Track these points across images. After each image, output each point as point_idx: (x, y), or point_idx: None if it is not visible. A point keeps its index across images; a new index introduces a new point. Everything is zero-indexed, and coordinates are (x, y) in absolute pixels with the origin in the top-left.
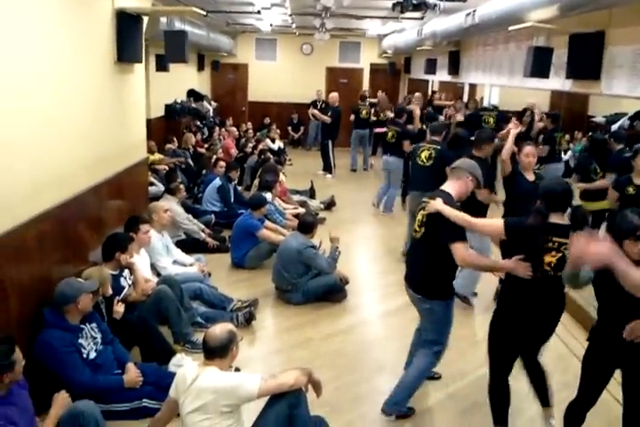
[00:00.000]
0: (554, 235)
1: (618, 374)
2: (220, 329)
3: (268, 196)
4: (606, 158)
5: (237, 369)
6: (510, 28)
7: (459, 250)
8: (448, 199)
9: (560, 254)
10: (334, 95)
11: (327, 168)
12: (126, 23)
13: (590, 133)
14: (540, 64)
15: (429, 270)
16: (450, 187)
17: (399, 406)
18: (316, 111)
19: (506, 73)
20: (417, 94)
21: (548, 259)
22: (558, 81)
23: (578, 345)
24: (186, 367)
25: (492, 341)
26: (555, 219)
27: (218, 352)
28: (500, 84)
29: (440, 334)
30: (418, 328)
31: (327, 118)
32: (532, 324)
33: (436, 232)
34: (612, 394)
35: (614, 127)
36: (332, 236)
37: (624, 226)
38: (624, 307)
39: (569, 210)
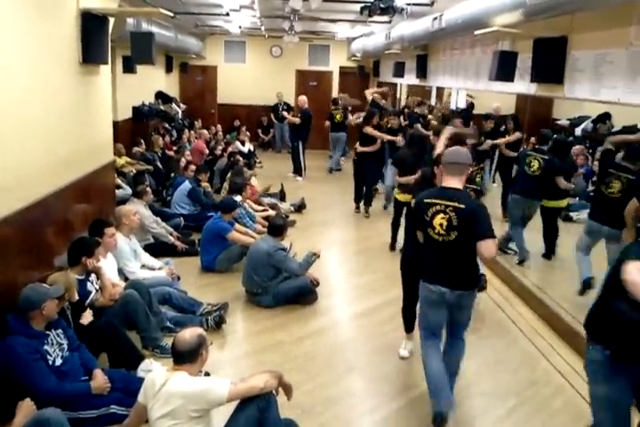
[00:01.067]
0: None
1: None
2: (189, 334)
3: (237, 198)
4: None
5: (207, 374)
6: (476, 33)
7: (494, 245)
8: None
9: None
10: (303, 98)
11: (297, 170)
12: (92, 24)
13: (555, 136)
14: (505, 68)
15: (471, 266)
16: (460, 183)
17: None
18: (286, 113)
19: (472, 77)
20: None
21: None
22: (523, 84)
23: (546, 345)
24: (154, 372)
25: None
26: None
27: (187, 357)
28: (466, 88)
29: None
30: (432, 334)
31: (296, 119)
32: None
33: (469, 232)
34: None
35: (578, 130)
36: (317, 252)
37: None
38: None
39: None
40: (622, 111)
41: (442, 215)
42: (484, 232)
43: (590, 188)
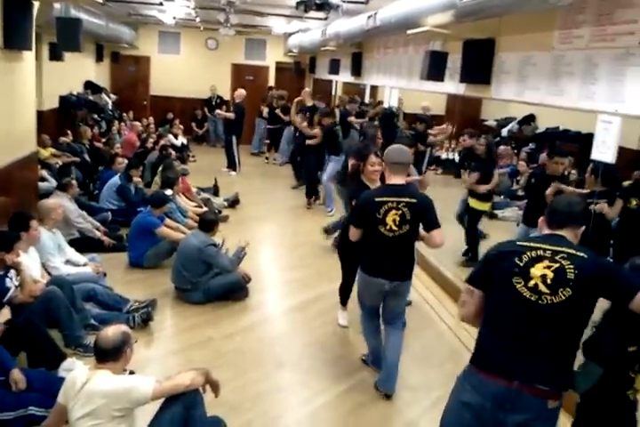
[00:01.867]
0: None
1: None
2: (112, 331)
3: (169, 192)
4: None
5: (132, 372)
6: (409, 32)
7: (441, 233)
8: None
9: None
10: (241, 92)
11: (231, 165)
12: (14, 8)
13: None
14: (435, 68)
15: (411, 256)
16: (403, 180)
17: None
18: (219, 111)
19: (405, 76)
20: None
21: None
22: (453, 84)
23: (470, 339)
24: (76, 371)
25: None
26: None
27: (110, 355)
28: (398, 87)
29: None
30: (371, 318)
31: (230, 115)
32: None
33: (420, 223)
34: None
35: (504, 131)
36: (242, 243)
37: None
38: None
39: None
40: (546, 113)
41: (394, 212)
42: (435, 222)
43: (515, 186)
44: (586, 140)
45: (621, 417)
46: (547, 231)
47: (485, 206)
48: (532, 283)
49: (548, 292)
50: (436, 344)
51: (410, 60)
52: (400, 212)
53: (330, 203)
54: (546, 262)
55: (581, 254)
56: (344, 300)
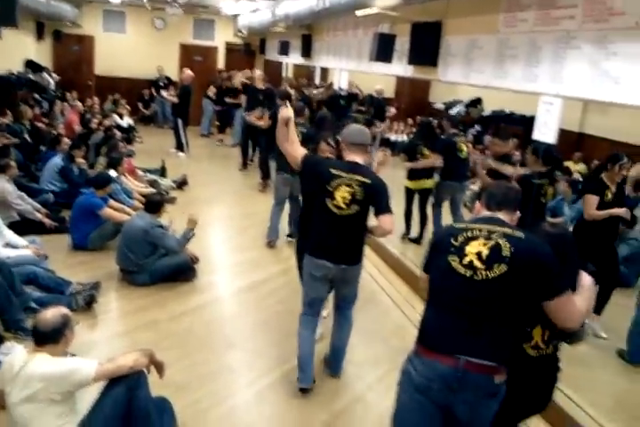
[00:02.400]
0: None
1: None
2: (51, 313)
3: (113, 173)
4: (433, 141)
5: (73, 355)
6: (358, 14)
7: (392, 219)
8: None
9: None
10: (188, 73)
11: (179, 146)
12: None
13: (420, 118)
14: (384, 50)
15: (361, 240)
16: (362, 160)
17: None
18: (164, 93)
19: (354, 58)
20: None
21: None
22: (401, 66)
23: (415, 314)
24: (13, 355)
25: None
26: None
27: (49, 338)
28: (348, 69)
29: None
30: (308, 320)
31: (174, 99)
32: None
33: (370, 206)
34: None
35: (452, 113)
36: (190, 217)
37: None
38: None
39: None
40: (492, 96)
41: (346, 188)
42: (386, 206)
43: None
44: (530, 122)
45: (523, 371)
46: (485, 213)
47: (416, 185)
48: (466, 260)
49: (482, 267)
50: (382, 320)
51: (359, 43)
52: (352, 190)
53: None
54: (481, 240)
55: (518, 235)
56: None
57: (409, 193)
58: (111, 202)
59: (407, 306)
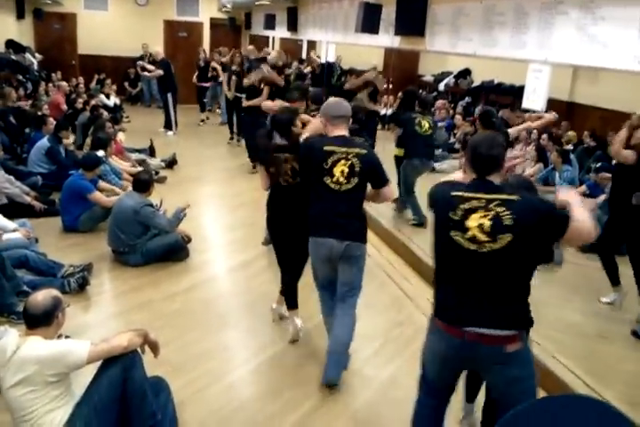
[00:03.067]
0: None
1: None
2: (42, 296)
3: (101, 153)
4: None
5: (67, 337)
6: None
7: (391, 188)
8: None
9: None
10: (156, 50)
11: (168, 125)
12: None
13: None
14: (369, 20)
15: (363, 215)
16: (346, 132)
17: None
18: (148, 66)
19: (341, 30)
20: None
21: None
22: (388, 37)
23: (411, 288)
24: (5, 339)
25: None
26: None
27: (41, 320)
28: (335, 42)
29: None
30: (325, 298)
31: (157, 73)
32: None
33: (369, 177)
34: None
35: (441, 85)
36: (183, 205)
37: None
38: None
39: None
40: (481, 67)
41: (343, 162)
42: (385, 177)
43: (452, 140)
44: (519, 92)
45: None
46: (474, 176)
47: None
48: (469, 234)
49: (486, 239)
50: (378, 294)
51: (345, 14)
52: (349, 162)
53: None
54: (481, 213)
55: (514, 197)
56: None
57: (399, 161)
58: (101, 183)
59: (402, 280)
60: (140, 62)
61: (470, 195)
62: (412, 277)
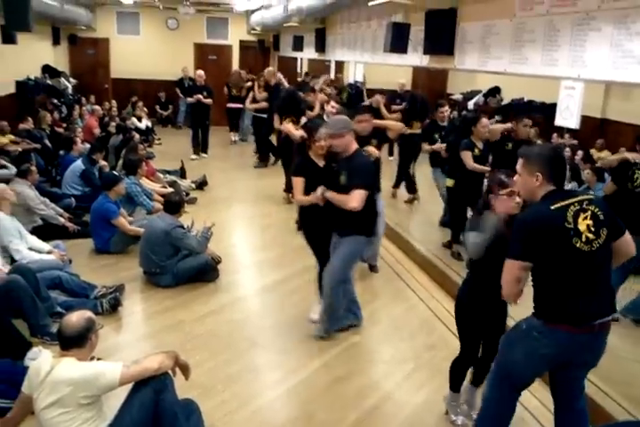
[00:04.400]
0: None
1: None
2: (76, 317)
3: (132, 178)
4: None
5: (99, 359)
6: (370, 4)
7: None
8: None
9: None
10: (200, 74)
11: (204, 149)
12: None
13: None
14: (398, 40)
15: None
16: None
17: None
18: (201, 97)
19: (369, 50)
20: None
21: None
22: (416, 56)
23: (442, 309)
24: (40, 360)
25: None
26: None
27: (74, 342)
28: (363, 61)
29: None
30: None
31: (208, 101)
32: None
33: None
34: None
35: (470, 104)
36: (208, 224)
37: (496, 183)
38: (495, 263)
39: None
40: (511, 85)
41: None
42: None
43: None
44: (550, 109)
45: None
46: (551, 187)
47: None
48: (584, 237)
49: (594, 237)
50: (407, 317)
51: (373, 34)
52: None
53: None
54: (583, 215)
55: (591, 196)
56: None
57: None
58: (121, 211)
59: (432, 301)
60: (197, 97)
61: (567, 202)
62: (441, 297)
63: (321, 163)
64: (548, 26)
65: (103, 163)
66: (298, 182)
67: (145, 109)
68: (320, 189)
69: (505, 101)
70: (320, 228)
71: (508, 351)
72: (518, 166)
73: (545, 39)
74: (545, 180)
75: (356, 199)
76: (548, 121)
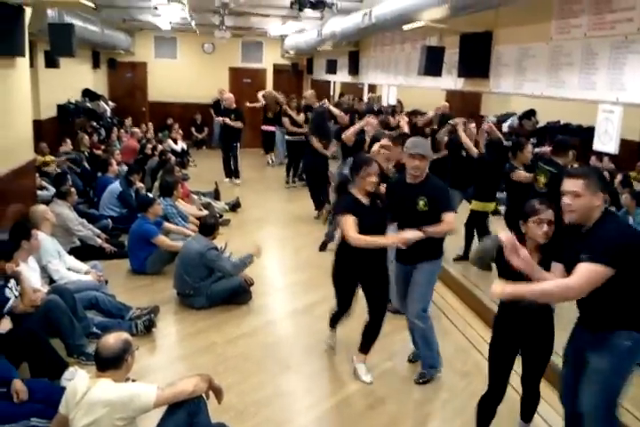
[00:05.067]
0: None
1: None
2: (113, 338)
3: (168, 200)
4: None
5: (134, 381)
6: (405, 28)
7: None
8: None
9: None
10: (230, 97)
11: (235, 174)
12: (5, 13)
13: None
14: (432, 63)
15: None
16: None
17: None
18: (228, 120)
19: (402, 72)
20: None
21: None
22: (451, 79)
23: (477, 336)
24: (76, 380)
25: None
26: None
27: (111, 363)
28: (397, 84)
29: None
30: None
31: (239, 125)
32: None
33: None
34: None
35: (505, 126)
36: (257, 247)
37: (527, 209)
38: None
39: None
40: (546, 107)
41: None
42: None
43: None
44: (587, 133)
45: None
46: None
47: (488, 207)
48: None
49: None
50: (442, 343)
51: (407, 57)
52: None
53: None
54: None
55: None
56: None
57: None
58: (166, 224)
59: (467, 328)
60: (221, 119)
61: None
62: (475, 323)
63: (365, 200)
64: (585, 49)
65: (140, 184)
66: (349, 221)
67: (180, 132)
68: (414, 232)
69: (540, 124)
70: (355, 273)
71: (616, 377)
72: (577, 187)
73: (582, 62)
74: (603, 200)
75: (453, 223)
76: (585, 144)
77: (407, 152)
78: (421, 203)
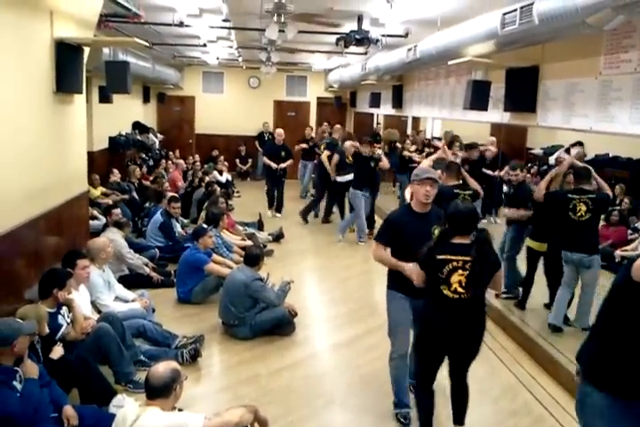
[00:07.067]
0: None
1: None
2: (162, 367)
3: (214, 230)
4: None
5: (180, 410)
6: (450, 63)
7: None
8: None
9: (467, 273)
10: (280, 133)
11: (279, 207)
12: (66, 53)
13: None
14: (478, 97)
15: None
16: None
17: None
18: (283, 165)
19: (447, 106)
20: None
21: (456, 278)
22: (497, 113)
23: (525, 374)
24: (126, 408)
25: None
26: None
27: (160, 392)
28: (441, 117)
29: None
30: None
31: (289, 162)
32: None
33: None
34: None
35: (551, 159)
36: (287, 278)
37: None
38: None
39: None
40: (593, 140)
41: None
42: None
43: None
44: (637, 166)
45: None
46: None
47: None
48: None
49: None
50: (490, 380)
51: (452, 91)
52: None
53: (361, 234)
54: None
55: None
56: None
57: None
58: (214, 256)
59: (516, 365)
60: (274, 165)
61: None
62: (524, 361)
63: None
64: (636, 84)
65: (175, 211)
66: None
67: (225, 163)
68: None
69: (589, 156)
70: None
71: None
72: None
73: (633, 97)
74: None
75: None
76: (635, 178)
77: (417, 179)
78: (436, 232)
